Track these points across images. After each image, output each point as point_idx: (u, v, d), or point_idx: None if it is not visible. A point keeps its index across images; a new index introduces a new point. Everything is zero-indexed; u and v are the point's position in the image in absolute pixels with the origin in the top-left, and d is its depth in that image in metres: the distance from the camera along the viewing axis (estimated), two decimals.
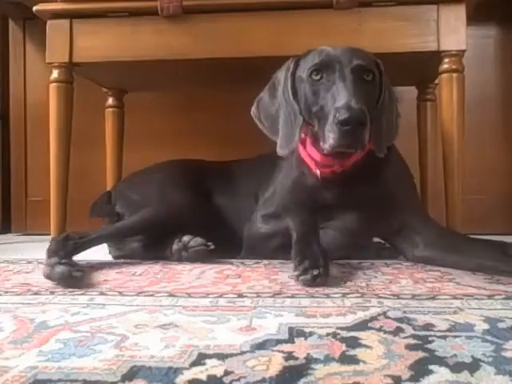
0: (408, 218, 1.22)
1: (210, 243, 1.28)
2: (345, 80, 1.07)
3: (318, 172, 1.20)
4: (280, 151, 1.18)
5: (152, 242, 1.37)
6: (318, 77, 1.12)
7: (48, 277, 1.04)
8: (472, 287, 0.96)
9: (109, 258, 1.41)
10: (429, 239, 1.20)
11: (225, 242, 1.35)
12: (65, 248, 1.15)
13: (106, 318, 0.77)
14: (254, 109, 1.27)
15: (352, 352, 0.60)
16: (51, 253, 1.11)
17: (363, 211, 1.20)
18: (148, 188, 1.46)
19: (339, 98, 1.04)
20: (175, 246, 1.30)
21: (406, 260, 1.24)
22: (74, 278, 1.01)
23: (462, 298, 0.86)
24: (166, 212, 1.36)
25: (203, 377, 0.53)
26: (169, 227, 1.34)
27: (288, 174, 1.32)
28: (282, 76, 1.22)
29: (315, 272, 0.97)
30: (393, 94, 1.21)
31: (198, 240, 1.28)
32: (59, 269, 1.02)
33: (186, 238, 1.29)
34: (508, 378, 0.52)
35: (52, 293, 0.96)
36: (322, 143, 1.10)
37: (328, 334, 0.67)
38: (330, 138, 1.03)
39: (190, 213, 1.37)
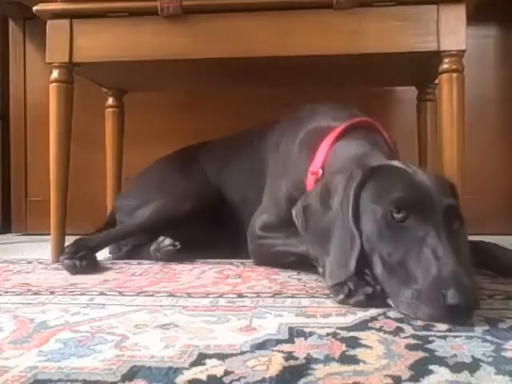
0: None
1: (176, 243, 1.32)
2: (440, 233, 0.82)
3: None
4: (329, 281, 0.90)
5: (139, 244, 1.42)
6: (401, 216, 0.84)
7: (64, 269, 1.22)
8: None
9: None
10: None
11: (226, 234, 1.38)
12: (74, 248, 1.25)
13: (106, 318, 0.77)
14: (297, 215, 1.04)
15: (352, 352, 0.60)
16: (65, 254, 1.25)
17: None
18: (144, 188, 1.50)
19: (442, 263, 0.77)
20: (152, 247, 1.34)
21: None
22: (79, 268, 1.20)
23: None
24: (169, 204, 1.38)
25: (203, 377, 0.53)
26: (174, 219, 1.36)
27: (285, 190, 1.21)
28: (340, 185, 0.95)
29: (369, 290, 0.83)
30: (464, 223, 0.96)
31: (167, 241, 1.32)
32: (67, 262, 1.21)
33: (160, 239, 1.34)
34: (508, 378, 0.52)
35: (52, 293, 0.97)
36: (388, 300, 0.83)
37: (328, 334, 0.67)
38: (420, 311, 0.75)
39: (194, 200, 1.38)
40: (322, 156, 1.12)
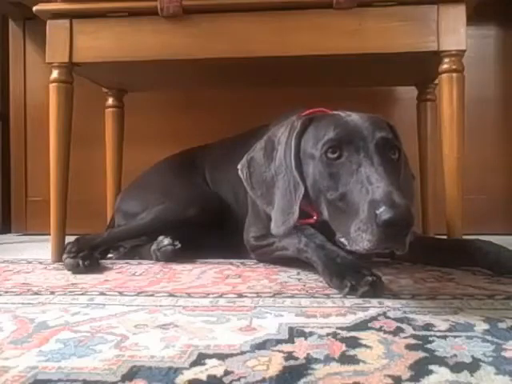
0: None
1: (176, 242, 1.32)
2: (373, 162, 0.87)
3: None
4: (275, 230, 0.98)
5: (139, 244, 1.42)
6: (336, 155, 0.91)
7: (66, 268, 1.22)
8: (472, 287, 0.96)
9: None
10: None
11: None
12: (76, 247, 1.25)
13: (106, 318, 0.77)
14: (243, 168, 1.08)
15: (352, 352, 0.60)
16: (67, 252, 1.24)
17: None
18: (145, 192, 1.50)
19: (374, 187, 0.81)
20: (153, 247, 1.34)
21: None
22: (81, 267, 1.19)
23: (461, 298, 0.87)
24: (172, 210, 1.38)
25: (203, 377, 0.53)
26: (176, 222, 1.36)
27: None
28: (284, 136, 1.02)
29: (369, 279, 0.86)
30: (406, 158, 1.05)
31: (166, 241, 1.32)
32: (70, 261, 1.21)
33: (160, 238, 1.34)
34: (508, 378, 0.52)
35: (52, 293, 0.97)
36: (341, 239, 0.89)
37: (328, 334, 0.67)
38: (363, 240, 0.79)
39: (197, 204, 1.39)
40: None
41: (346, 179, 0.88)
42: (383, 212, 0.76)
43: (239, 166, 1.09)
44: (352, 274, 0.90)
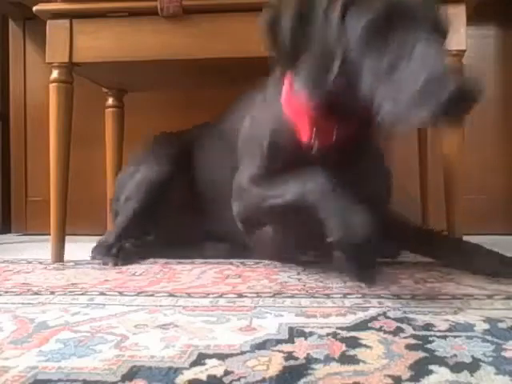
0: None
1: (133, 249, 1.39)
2: (430, 40, 0.79)
3: (315, 142, 0.97)
4: (305, 90, 0.91)
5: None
6: (390, 23, 0.81)
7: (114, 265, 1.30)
8: (472, 287, 0.96)
9: None
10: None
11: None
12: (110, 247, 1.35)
13: (106, 318, 0.77)
14: (266, 26, 0.98)
15: (352, 352, 0.60)
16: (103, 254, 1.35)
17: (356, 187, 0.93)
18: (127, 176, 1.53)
19: (434, 61, 0.75)
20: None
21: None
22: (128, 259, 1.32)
23: (461, 298, 0.87)
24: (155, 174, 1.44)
25: (203, 377, 0.53)
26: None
27: (266, 127, 1.10)
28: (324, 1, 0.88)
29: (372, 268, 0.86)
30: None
31: (127, 245, 1.39)
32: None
33: (126, 245, 1.39)
34: (508, 378, 0.52)
35: (52, 293, 0.97)
36: (385, 113, 0.79)
37: (328, 334, 0.67)
38: (422, 110, 0.71)
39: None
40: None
41: (399, 51, 0.79)
42: (451, 81, 0.70)
43: (263, 22, 0.98)
44: (364, 253, 0.86)
